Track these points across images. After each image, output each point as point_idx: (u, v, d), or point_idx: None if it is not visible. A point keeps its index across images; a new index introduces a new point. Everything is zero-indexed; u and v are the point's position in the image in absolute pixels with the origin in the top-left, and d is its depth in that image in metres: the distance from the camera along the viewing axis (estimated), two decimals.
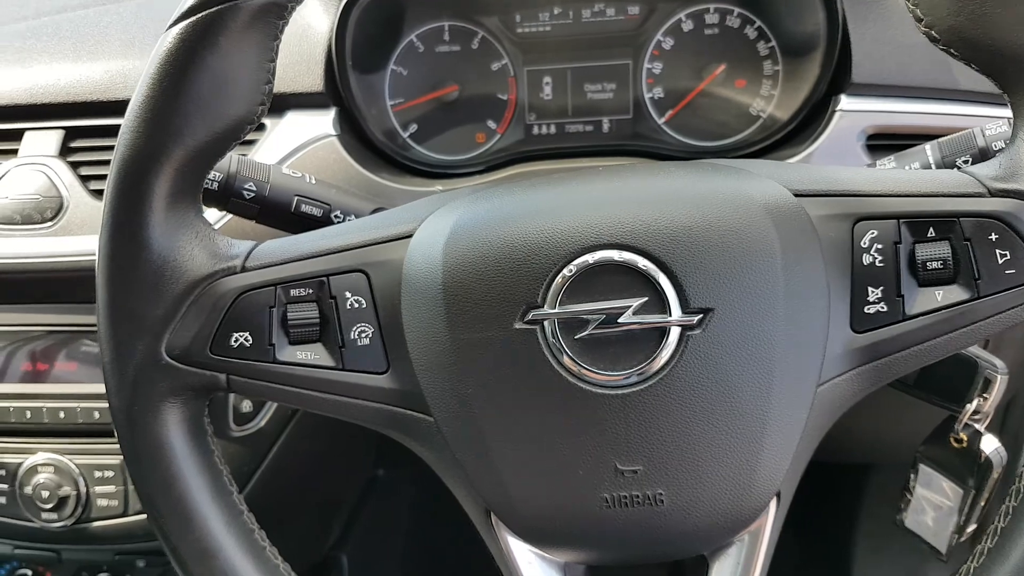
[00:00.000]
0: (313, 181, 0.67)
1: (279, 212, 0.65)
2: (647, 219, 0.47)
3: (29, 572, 0.95)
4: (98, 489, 0.84)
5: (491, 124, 0.87)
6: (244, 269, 0.51)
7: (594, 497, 0.48)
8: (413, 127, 0.87)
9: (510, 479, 0.48)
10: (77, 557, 0.93)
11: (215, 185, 0.63)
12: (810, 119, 0.81)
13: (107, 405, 0.82)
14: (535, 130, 0.87)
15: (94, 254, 0.79)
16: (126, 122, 0.49)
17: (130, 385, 0.50)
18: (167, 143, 0.48)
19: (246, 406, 0.83)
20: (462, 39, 0.86)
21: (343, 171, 0.79)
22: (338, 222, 0.67)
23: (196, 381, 0.51)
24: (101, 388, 0.83)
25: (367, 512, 1.21)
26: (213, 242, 0.52)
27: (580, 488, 0.48)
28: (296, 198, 0.65)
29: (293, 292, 0.51)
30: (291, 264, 0.51)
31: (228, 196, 0.63)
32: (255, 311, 0.51)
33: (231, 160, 0.65)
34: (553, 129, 0.86)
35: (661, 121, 0.84)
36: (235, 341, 0.50)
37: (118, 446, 0.84)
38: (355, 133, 0.83)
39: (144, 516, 0.83)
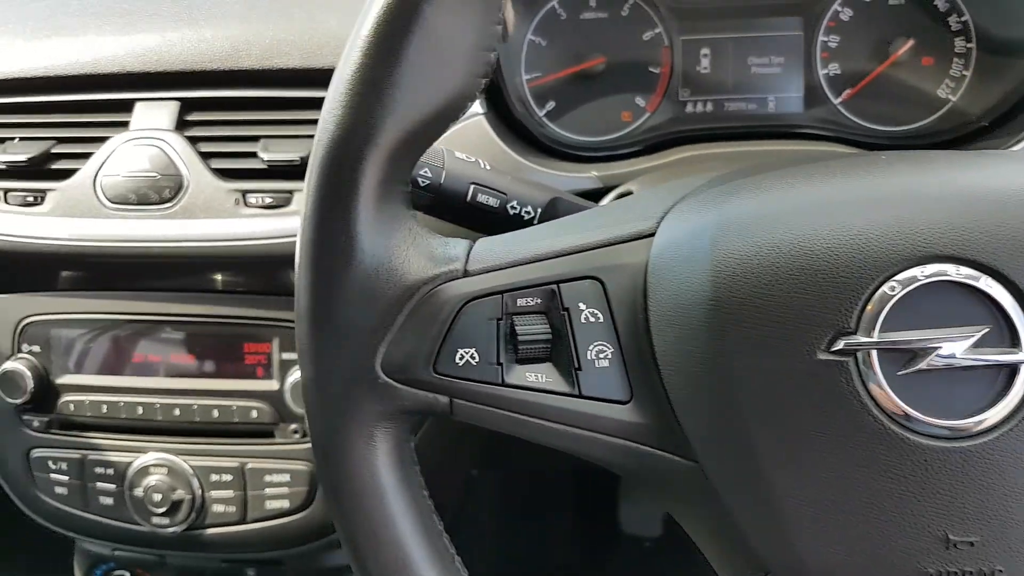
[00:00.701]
0: (488, 167, 0.60)
1: (453, 202, 0.58)
2: (987, 226, 0.38)
3: (127, 574, 0.90)
4: (214, 494, 0.77)
5: (639, 101, 0.79)
6: (467, 273, 0.44)
7: (914, 571, 0.39)
8: (550, 104, 0.79)
9: (805, 542, 0.40)
10: (181, 562, 0.87)
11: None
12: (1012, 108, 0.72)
13: (228, 403, 0.77)
14: (689, 108, 0.78)
15: (219, 239, 0.73)
16: (335, 95, 0.42)
17: (337, 406, 0.43)
18: (383, 121, 0.41)
19: None
20: (611, 5, 0.78)
21: (491, 154, 0.71)
22: (514, 214, 0.59)
23: (414, 404, 0.44)
24: (220, 384, 0.78)
25: (464, 514, 1.15)
26: (427, 240, 0.45)
27: (896, 560, 0.39)
28: (472, 186, 0.58)
29: (520, 302, 0.44)
30: (517, 268, 0.44)
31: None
32: (480, 323, 0.43)
33: None
34: (710, 107, 0.78)
35: (837, 101, 0.76)
36: (460, 358, 0.43)
37: (237, 447, 0.79)
38: (497, 111, 0.76)
39: (263, 524, 0.78)
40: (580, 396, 0.43)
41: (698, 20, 0.77)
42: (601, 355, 0.43)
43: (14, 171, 0.76)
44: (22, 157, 0.75)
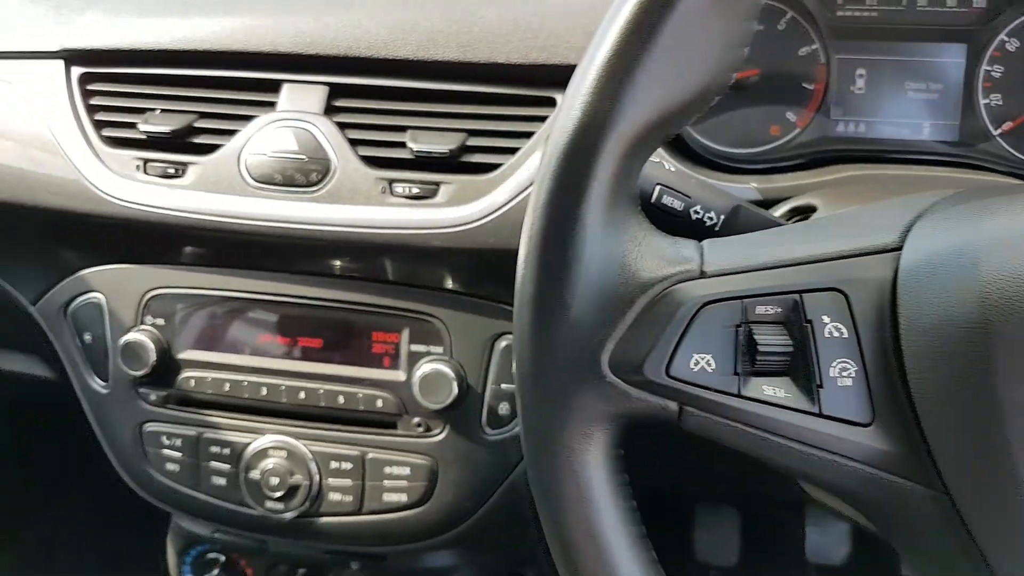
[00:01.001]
0: (672, 168, 0.58)
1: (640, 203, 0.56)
2: None
3: (222, 557, 0.89)
4: (332, 481, 0.77)
5: (790, 116, 0.77)
6: (703, 274, 0.42)
7: None
8: None
9: None
10: (283, 550, 0.86)
11: None
12: None
13: (353, 390, 0.76)
14: (840, 127, 0.77)
15: (364, 226, 0.72)
16: (584, 79, 0.41)
17: (556, 402, 0.42)
18: (631, 110, 0.40)
19: (503, 408, 0.75)
20: (768, 18, 0.76)
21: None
22: (696, 219, 0.58)
23: (640, 408, 0.42)
24: (346, 371, 0.76)
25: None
26: (655, 237, 0.43)
27: None
28: (658, 187, 0.56)
29: (759, 310, 0.42)
30: (758, 273, 0.42)
31: None
32: (718, 328, 0.42)
33: None
34: (863, 128, 0.77)
35: (996, 133, 0.74)
36: (695, 364, 0.42)
37: (358, 436, 0.78)
38: None
39: (378, 517, 0.77)
40: (820, 415, 0.41)
41: (857, 40, 0.76)
42: (844, 373, 0.41)
43: (155, 142, 0.76)
44: (165, 128, 0.75)
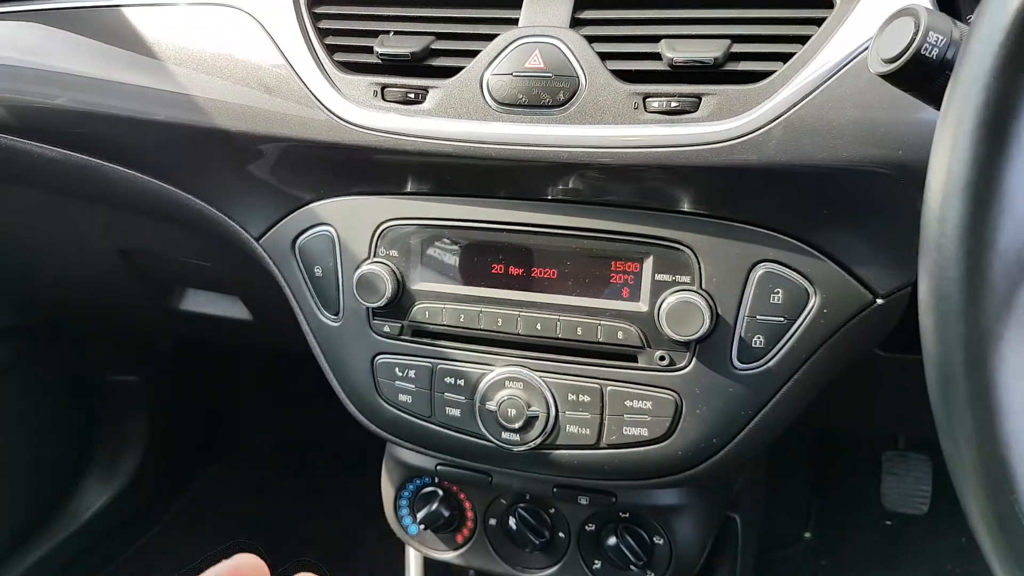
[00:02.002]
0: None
1: None
2: None
3: (440, 491, 0.89)
4: (569, 414, 0.74)
5: None
6: None
7: None
8: None
9: None
10: (509, 483, 0.85)
11: (934, 52, 0.48)
12: None
13: (593, 321, 0.72)
14: None
15: (617, 146, 0.68)
16: None
17: (998, 301, 0.37)
18: None
19: (758, 341, 0.70)
20: None
21: None
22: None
23: None
24: (583, 302, 0.72)
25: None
26: None
27: None
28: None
29: None
30: None
31: (944, 71, 0.48)
32: None
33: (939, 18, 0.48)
34: None
35: None
36: None
37: (597, 368, 0.73)
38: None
39: (617, 451, 0.74)
40: None
41: None
42: None
43: (391, 66, 0.74)
44: (404, 51, 0.72)
